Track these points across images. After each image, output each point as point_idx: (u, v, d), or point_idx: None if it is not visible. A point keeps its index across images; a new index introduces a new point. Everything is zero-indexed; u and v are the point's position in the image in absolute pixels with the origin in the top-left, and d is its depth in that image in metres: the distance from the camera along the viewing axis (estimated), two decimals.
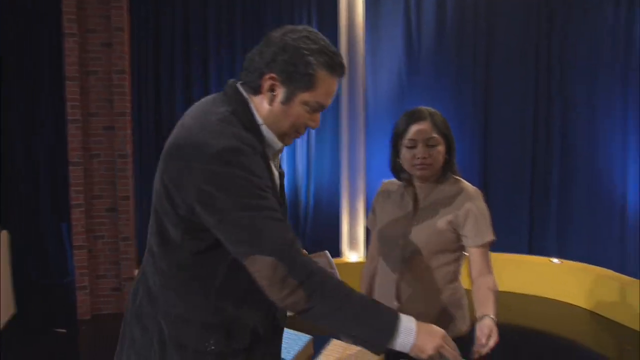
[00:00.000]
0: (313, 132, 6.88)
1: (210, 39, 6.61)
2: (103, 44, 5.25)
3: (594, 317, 5.65)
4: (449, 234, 2.34)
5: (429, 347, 1.67)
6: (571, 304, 5.93)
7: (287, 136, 1.77)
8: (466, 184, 2.41)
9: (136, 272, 5.42)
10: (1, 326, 4.98)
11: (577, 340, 5.27)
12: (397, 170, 2.45)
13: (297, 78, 1.66)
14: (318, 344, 2.32)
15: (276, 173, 1.80)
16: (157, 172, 1.71)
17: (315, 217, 6.94)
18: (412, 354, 1.68)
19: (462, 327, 2.43)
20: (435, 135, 2.32)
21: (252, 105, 1.71)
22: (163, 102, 6.58)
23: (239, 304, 1.72)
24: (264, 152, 1.70)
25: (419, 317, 2.27)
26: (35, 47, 6.31)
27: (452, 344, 1.74)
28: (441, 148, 2.34)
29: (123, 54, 5.28)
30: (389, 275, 2.43)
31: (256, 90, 1.71)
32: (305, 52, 1.65)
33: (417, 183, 2.41)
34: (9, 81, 6.23)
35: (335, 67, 1.71)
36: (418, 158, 2.32)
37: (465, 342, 2.42)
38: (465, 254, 2.42)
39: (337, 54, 1.71)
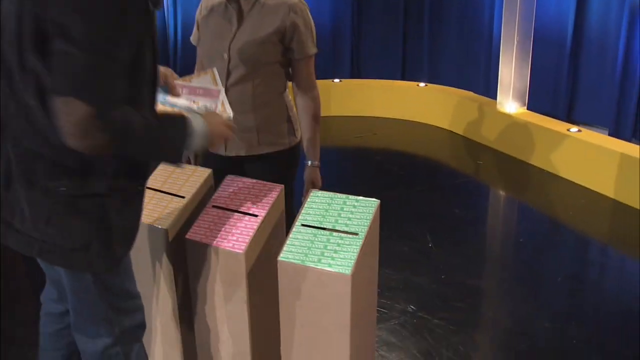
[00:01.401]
0: None
1: None
2: None
3: (455, 137, 5.94)
4: (273, 46, 2.31)
5: (221, 138, 1.80)
6: (435, 126, 6.19)
7: None
8: None
9: None
10: None
11: (438, 159, 5.57)
12: None
13: None
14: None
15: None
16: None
17: (185, 53, 6.73)
18: (211, 149, 1.82)
19: (292, 139, 2.46)
20: None
21: None
22: None
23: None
24: None
25: (245, 130, 2.37)
26: None
27: (234, 126, 1.89)
28: None
29: None
30: None
31: None
32: None
33: None
34: None
35: None
36: None
37: (293, 153, 2.48)
38: None
39: None
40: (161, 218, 2.04)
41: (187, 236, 1.97)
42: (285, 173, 2.45)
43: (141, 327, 1.89)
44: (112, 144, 1.51)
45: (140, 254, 2.06)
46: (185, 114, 1.72)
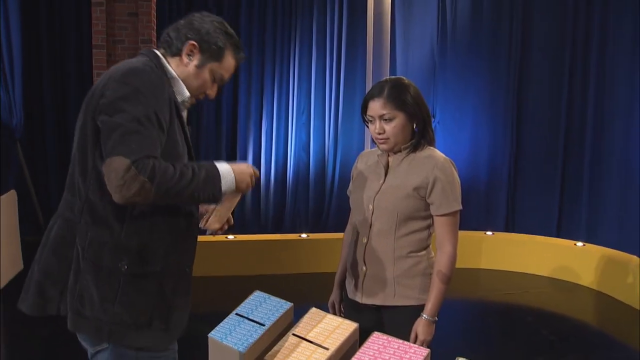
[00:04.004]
0: (341, 106, 6.91)
1: (243, 15, 6.70)
2: (130, 14, 5.35)
3: (616, 304, 5.56)
4: (415, 201, 2.37)
5: (246, 179, 2.03)
6: (594, 289, 5.85)
7: (191, 96, 2.13)
8: (438, 153, 2.42)
9: None
10: (6, 282, 5.17)
11: (596, 326, 5.21)
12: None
13: (212, 49, 2.10)
14: (298, 312, 2.35)
15: (184, 120, 2.09)
16: (81, 112, 1.97)
17: (340, 192, 6.97)
18: (237, 190, 2.02)
19: (427, 296, 2.43)
20: (388, 111, 2.35)
21: (164, 62, 2.08)
22: None
23: (150, 229, 1.96)
24: (175, 96, 2.02)
25: (383, 281, 2.43)
26: (61, 15, 6.41)
27: (256, 170, 2.08)
28: (399, 122, 2.35)
29: (149, 23, 5.37)
30: (358, 239, 2.50)
31: (175, 53, 2.10)
32: (220, 31, 2.12)
33: (391, 152, 2.45)
34: (37, 49, 6.35)
35: (239, 49, 2.17)
36: (376, 133, 2.38)
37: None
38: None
39: (239, 41, 2.18)
40: None
41: None
42: None
43: None
44: (152, 187, 1.78)
45: None
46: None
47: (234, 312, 2.44)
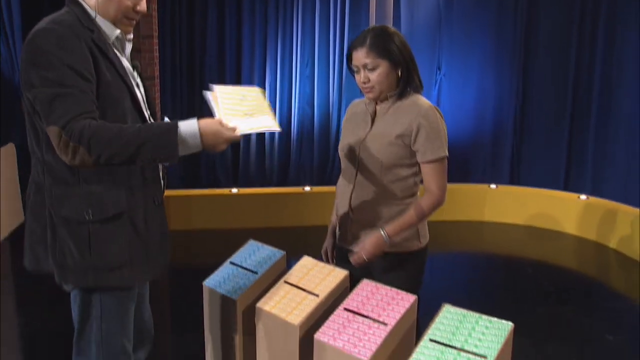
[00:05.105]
0: (345, 59, 6.87)
1: None
2: None
3: (618, 256, 5.58)
4: (399, 148, 2.38)
5: (220, 143, 1.89)
6: (596, 242, 5.86)
7: (121, 23, 2.03)
8: (423, 100, 2.41)
9: None
10: (7, 234, 5.24)
11: (596, 278, 5.24)
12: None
13: None
14: (291, 261, 2.39)
15: (125, 61, 2.05)
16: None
17: None
18: (209, 151, 1.91)
19: (415, 244, 2.45)
20: (371, 60, 2.34)
21: (84, 4, 1.98)
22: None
23: (109, 173, 1.96)
24: (100, 39, 1.93)
25: (370, 227, 2.43)
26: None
27: (236, 136, 1.92)
28: (382, 70, 2.34)
29: (149, 18, 5.44)
30: (346, 185, 2.53)
31: None
32: None
33: (378, 100, 2.45)
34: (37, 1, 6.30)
35: None
36: (361, 82, 2.39)
37: (417, 258, 2.48)
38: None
39: None
40: (294, 314, 2.08)
41: (315, 336, 1.99)
42: (408, 276, 2.44)
43: None
44: (85, 150, 1.77)
45: (271, 347, 2.11)
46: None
47: (228, 260, 2.49)
